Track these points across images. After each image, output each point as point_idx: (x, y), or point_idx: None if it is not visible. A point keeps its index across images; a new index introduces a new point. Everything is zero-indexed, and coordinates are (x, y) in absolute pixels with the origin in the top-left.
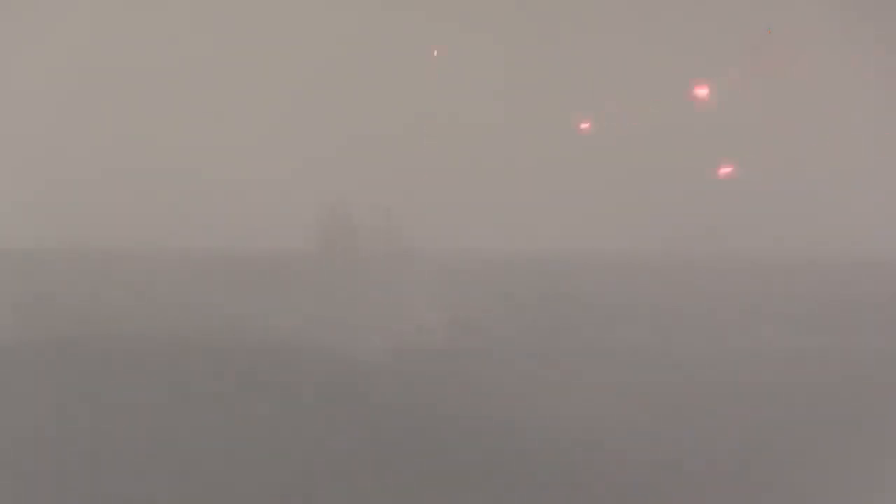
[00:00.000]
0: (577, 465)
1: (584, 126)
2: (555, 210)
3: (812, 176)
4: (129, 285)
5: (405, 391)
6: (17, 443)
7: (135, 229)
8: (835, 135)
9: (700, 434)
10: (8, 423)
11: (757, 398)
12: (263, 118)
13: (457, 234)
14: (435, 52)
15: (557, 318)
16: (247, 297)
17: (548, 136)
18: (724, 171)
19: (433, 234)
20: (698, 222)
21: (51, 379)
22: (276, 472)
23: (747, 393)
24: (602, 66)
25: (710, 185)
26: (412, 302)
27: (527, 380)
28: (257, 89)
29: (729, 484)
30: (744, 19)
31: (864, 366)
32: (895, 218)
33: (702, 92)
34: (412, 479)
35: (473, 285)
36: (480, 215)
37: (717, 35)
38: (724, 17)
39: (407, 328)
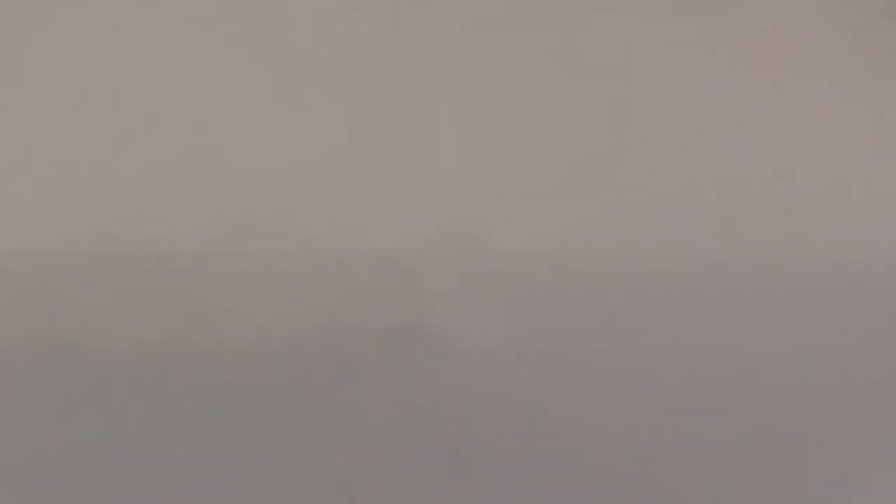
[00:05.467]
0: (576, 465)
1: (582, 126)
2: (553, 210)
3: (812, 176)
4: (129, 286)
5: (400, 391)
6: (16, 443)
7: (136, 230)
8: (835, 135)
9: (699, 434)
10: (8, 423)
11: (757, 399)
12: (268, 121)
13: (457, 235)
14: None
15: (556, 319)
16: (248, 297)
17: (547, 136)
18: (725, 171)
19: (430, 235)
20: (698, 222)
21: (50, 380)
22: (275, 469)
23: (748, 394)
24: (601, 66)
25: (710, 186)
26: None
27: (525, 380)
28: (264, 94)
29: (729, 484)
30: (744, 19)
31: (864, 366)
32: (895, 218)
33: (702, 92)
34: (403, 480)
35: (476, 285)
36: (483, 215)
37: (717, 35)
38: (724, 17)
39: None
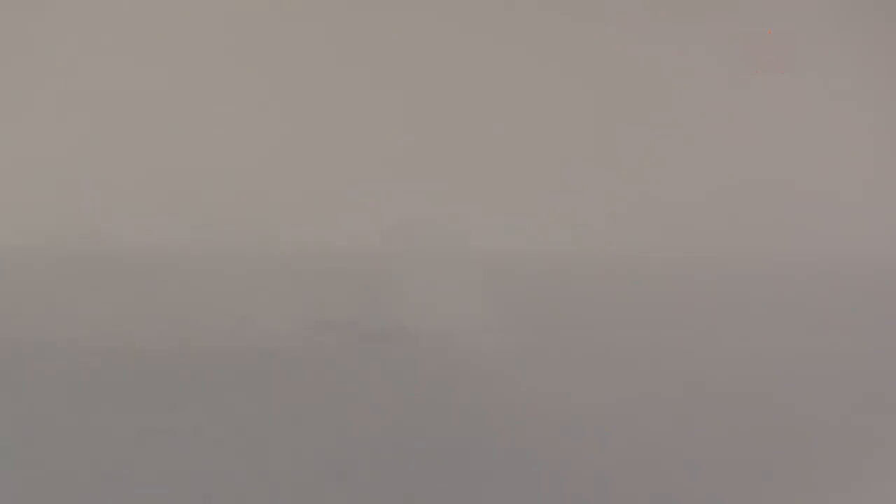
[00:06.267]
0: (575, 464)
1: (574, 127)
2: (553, 211)
3: (811, 177)
4: (112, 287)
5: (386, 391)
6: (16, 443)
7: (136, 230)
8: (835, 135)
9: (697, 432)
10: (8, 423)
11: (756, 397)
12: (267, 122)
13: (457, 235)
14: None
15: (556, 319)
16: (250, 297)
17: (549, 138)
18: (724, 171)
19: (432, 235)
20: (698, 222)
21: (52, 379)
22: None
23: (747, 392)
24: (601, 66)
25: (710, 186)
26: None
27: (526, 380)
28: (261, 97)
29: (727, 483)
30: (744, 19)
31: (864, 366)
32: (894, 218)
33: (702, 92)
34: (403, 479)
35: (475, 285)
36: (482, 216)
37: (717, 35)
38: (724, 17)
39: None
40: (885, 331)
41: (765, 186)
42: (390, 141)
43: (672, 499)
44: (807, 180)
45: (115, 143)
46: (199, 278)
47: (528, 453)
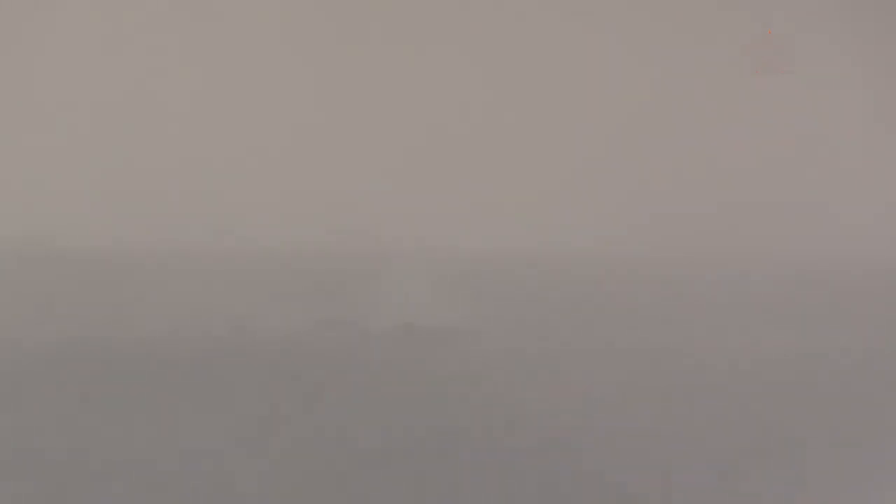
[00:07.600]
0: (574, 465)
1: (582, 126)
2: (553, 210)
3: (811, 177)
4: (131, 286)
5: (400, 390)
6: (17, 444)
7: (137, 230)
8: (834, 135)
9: (698, 434)
10: (9, 424)
11: (756, 399)
12: (265, 120)
13: (455, 233)
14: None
15: (556, 318)
16: (251, 297)
17: (546, 136)
18: (724, 171)
19: (430, 234)
20: (698, 222)
21: (53, 380)
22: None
23: (746, 393)
24: (600, 65)
25: (709, 186)
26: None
27: (526, 380)
28: (260, 94)
29: (727, 482)
30: (744, 19)
31: (864, 366)
32: (894, 218)
33: (700, 92)
34: (411, 480)
35: (473, 284)
36: (480, 214)
37: (717, 35)
38: (724, 17)
39: (401, 325)
40: (885, 331)
41: (765, 186)
42: (392, 141)
43: (672, 498)
44: (807, 180)
45: (115, 142)
46: (198, 277)
47: (529, 453)
